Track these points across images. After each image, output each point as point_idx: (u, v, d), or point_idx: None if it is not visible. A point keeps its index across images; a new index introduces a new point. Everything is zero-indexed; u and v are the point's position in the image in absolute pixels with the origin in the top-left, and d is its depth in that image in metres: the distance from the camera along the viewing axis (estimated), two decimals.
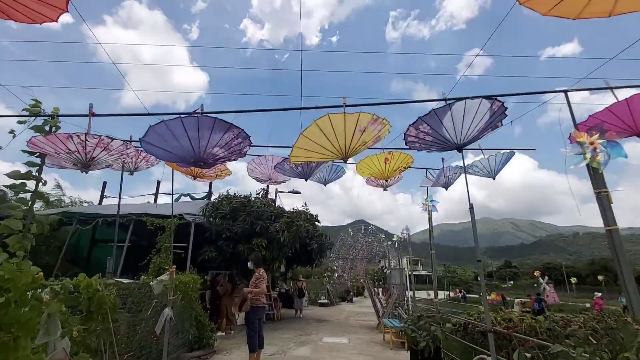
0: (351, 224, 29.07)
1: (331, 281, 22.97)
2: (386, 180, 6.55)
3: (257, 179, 6.88)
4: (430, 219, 9.37)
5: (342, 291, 25.82)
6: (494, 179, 6.87)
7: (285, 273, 22.57)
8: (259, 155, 6.33)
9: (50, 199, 20.55)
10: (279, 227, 10.45)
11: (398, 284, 12.91)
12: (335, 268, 24.41)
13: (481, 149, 6.51)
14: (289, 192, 16.47)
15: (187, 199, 14.73)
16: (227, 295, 10.17)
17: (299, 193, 16.36)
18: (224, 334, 9.41)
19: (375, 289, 12.26)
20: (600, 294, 19.86)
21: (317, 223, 14.40)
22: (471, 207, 4.14)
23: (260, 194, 13.18)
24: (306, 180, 6.48)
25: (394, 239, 14.74)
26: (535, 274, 29.84)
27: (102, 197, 16.18)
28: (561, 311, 21.23)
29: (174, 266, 4.97)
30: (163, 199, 15.54)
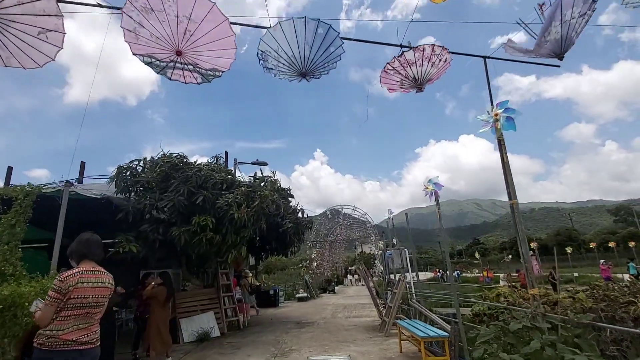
0: (323, 214, 26.06)
1: (310, 271, 19.94)
2: None
3: (149, 60, 3.55)
4: (437, 200, 6.45)
5: (322, 281, 22.98)
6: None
7: (255, 266, 19.23)
8: None
9: None
10: (232, 199, 7.05)
11: (399, 268, 10.08)
12: (313, 256, 21.42)
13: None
14: (251, 163, 12.94)
15: None
16: (158, 305, 6.71)
17: (266, 164, 12.87)
18: None
19: (371, 275, 9.32)
20: (603, 260, 18.59)
21: (290, 199, 11.18)
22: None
23: (213, 163, 9.63)
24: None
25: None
26: (531, 245, 28.78)
27: None
28: (568, 283, 19.93)
29: None
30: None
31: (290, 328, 9.06)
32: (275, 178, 8.34)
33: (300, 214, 10.66)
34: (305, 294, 17.84)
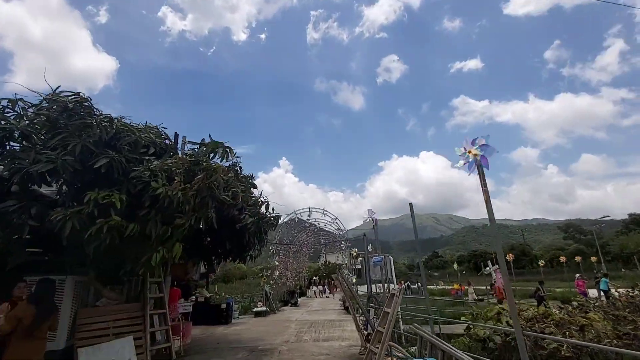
0: (287, 222, 23.53)
1: (271, 281, 17.46)
2: None
3: None
4: (481, 175, 4.90)
5: (284, 292, 20.50)
6: None
7: (206, 275, 16.37)
8: None
9: None
10: (158, 167, 4.70)
11: (380, 278, 8.17)
12: (276, 264, 18.96)
13: None
14: (204, 143, 10.37)
15: None
16: (22, 335, 4.11)
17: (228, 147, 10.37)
18: None
19: (347, 286, 7.26)
20: (579, 275, 18.23)
21: (253, 190, 8.94)
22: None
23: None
24: None
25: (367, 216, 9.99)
26: (508, 257, 28.50)
27: None
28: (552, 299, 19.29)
29: None
30: None
31: (242, 359, 6.70)
32: (237, 161, 6.04)
33: (264, 208, 8.42)
34: (263, 308, 15.34)
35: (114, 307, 6.90)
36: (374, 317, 7.05)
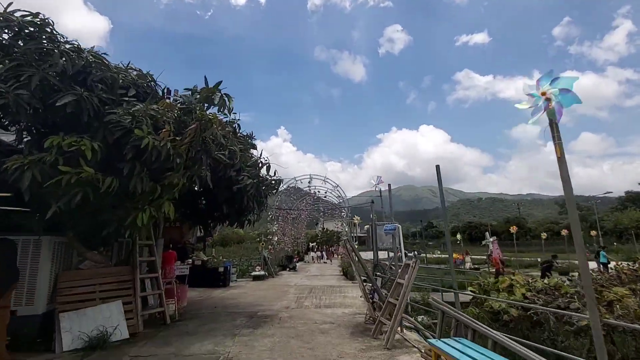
0: (285, 190, 22.76)
1: (270, 246, 17.17)
2: None
3: None
4: (554, 127, 3.98)
5: (282, 257, 20.39)
6: None
7: (203, 238, 16.01)
8: None
9: None
10: (141, 112, 3.87)
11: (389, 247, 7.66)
12: (274, 230, 18.62)
13: None
14: (198, 90, 9.39)
15: None
16: None
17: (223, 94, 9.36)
18: None
19: (354, 254, 6.73)
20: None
21: (253, 151, 8.18)
22: None
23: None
24: None
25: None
26: (511, 229, 28.40)
27: None
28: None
29: None
30: None
31: (240, 326, 6.30)
32: (228, 95, 5.11)
33: (264, 170, 7.67)
34: (262, 272, 15.14)
35: (101, 271, 6.36)
36: (380, 287, 6.59)
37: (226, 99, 4.80)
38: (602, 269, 16.44)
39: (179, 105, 4.64)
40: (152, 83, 5.07)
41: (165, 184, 4.35)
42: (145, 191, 4.17)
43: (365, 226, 15.68)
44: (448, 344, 3.35)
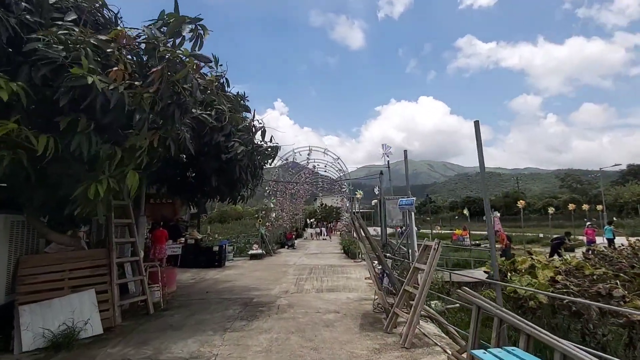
0: (284, 165, 21.61)
1: (267, 223, 16.44)
2: None
3: None
4: None
5: (280, 234, 19.78)
6: None
7: (197, 215, 15.20)
8: None
9: None
10: (82, 40, 2.79)
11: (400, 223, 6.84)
12: (272, 206, 17.84)
13: None
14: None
15: None
16: None
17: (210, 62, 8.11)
18: None
19: (362, 231, 5.88)
20: (589, 222, 17.48)
21: (246, 114, 7.08)
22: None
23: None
24: None
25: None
26: (519, 204, 27.64)
27: None
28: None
29: None
30: None
31: (233, 317, 5.54)
32: (204, 26, 3.94)
33: (259, 136, 6.62)
34: (259, 251, 14.49)
35: (72, 254, 5.49)
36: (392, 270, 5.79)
37: (201, 31, 3.68)
38: (610, 245, 15.97)
39: (143, 40, 3.55)
40: (105, 9, 3.93)
41: (127, 147, 3.38)
42: (99, 156, 3.20)
43: (373, 201, 14.85)
44: (499, 358, 2.53)
